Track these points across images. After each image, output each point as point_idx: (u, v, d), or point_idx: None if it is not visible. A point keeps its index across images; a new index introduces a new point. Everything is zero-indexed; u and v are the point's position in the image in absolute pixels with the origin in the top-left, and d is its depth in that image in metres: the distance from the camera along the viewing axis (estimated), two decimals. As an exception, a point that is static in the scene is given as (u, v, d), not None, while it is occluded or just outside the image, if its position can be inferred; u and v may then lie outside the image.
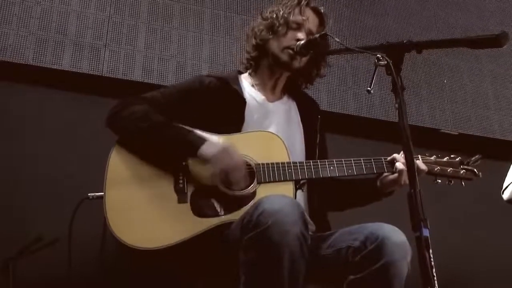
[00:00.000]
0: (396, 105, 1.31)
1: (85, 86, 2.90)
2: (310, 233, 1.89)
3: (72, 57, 2.85)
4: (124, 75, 2.93)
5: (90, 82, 2.90)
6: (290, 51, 2.01)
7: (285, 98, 2.19)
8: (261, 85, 2.14)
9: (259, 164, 1.84)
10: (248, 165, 1.84)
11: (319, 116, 2.18)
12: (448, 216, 3.40)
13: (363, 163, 1.93)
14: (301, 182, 1.91)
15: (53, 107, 2.85)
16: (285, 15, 2.06)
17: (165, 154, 1.82)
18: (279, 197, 1.57)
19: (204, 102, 2.00)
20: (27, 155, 2.72)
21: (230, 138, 1.90)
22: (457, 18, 3.95)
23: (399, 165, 1.91)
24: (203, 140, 1.79)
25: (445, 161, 2.05)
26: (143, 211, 1.74)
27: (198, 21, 3.20)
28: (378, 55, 1.40)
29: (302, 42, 1.98)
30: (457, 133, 3.66)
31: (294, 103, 2.19)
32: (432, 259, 1.17)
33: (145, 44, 3.03)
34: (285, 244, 1.47)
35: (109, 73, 2.90)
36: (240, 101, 2.02)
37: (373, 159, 1.95)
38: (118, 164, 1.83)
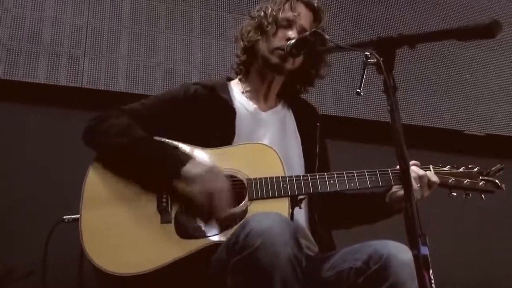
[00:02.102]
0: (389, 107, 1.31)
1: (63, 100, 2.91)
2: (311, 254, 1.89)
3: (48, 69, 2.87)
4: (106, 85, 2.95)
5: (68, 95, 2.91)
6: (281, 52, 2.01)
7: (279, 106, 2.19)
8: (252, 92, 2.14)
9: (251, 179, 1.83)
10: (239, 180, 1.84)
11: (318, 124, 2.17)
12: (464, 229, 3.35)
13: (367, 176, 1.90)
14: (298, 198, 1.90)
15: (27, 123, 2.86)
16: (274, 12, 2.07)
17: (147, 173, 1.83)
18: (268, 215, 1.55)
19: (190, 113, 2.00)
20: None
21: (219, 152, 1.91)
22: (479, 5, 3.92)
23: None
24: (187, 158, 1.79)
25: (461, 172, 2.03)
26: (122, 233, 1.74)
27: (186, 22, 3.22)
28: (366, 53, 1.40)
29: (293, 41, 1.98)
30: (483, 135, 3.62)
31: (290, 110, 2.19)
32: (432, 281, 1.16)
33: (128, 51, 3.05)
34: (276, 267, 1.45)
35: (90, 84, 2.92)
36: (229, 111, 2.02)
37: (379, 171, 1.92)
38: (96, 183, 1.84)
